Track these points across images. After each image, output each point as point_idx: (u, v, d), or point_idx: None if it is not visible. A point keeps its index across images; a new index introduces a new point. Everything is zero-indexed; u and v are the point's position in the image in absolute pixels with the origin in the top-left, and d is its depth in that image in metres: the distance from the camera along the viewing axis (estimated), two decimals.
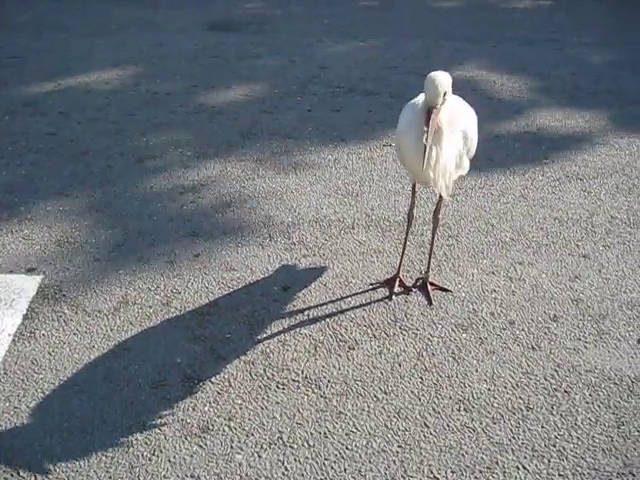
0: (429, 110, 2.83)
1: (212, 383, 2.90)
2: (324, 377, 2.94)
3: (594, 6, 8.60)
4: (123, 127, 5.12)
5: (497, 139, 5.01)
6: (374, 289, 3.46)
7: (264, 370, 2.97)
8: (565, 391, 2.90)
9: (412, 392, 2.88)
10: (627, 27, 7.95)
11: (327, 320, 3.25)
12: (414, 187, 3.36)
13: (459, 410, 2.80)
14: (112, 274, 3.54)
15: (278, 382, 2.91)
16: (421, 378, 2.95)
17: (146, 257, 3.67)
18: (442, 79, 2.84)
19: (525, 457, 2.62)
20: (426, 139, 2.77)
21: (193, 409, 2.78)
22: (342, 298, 3.40)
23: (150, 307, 3.32)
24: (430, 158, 2.83)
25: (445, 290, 3.46)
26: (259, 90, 5.79)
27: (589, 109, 5.58)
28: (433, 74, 2.88)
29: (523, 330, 3.23)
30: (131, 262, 3.63)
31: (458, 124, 3.01)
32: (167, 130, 5.06)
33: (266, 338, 3.14)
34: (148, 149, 4.79)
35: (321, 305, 3.35)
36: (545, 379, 2.96)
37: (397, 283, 3.46)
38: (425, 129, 2.79)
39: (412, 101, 3.14)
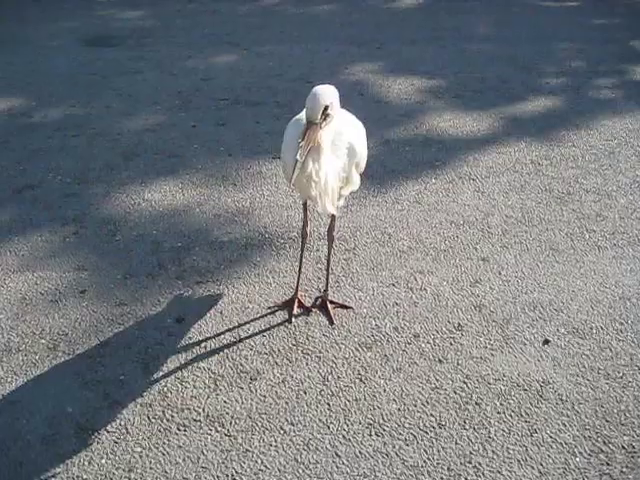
0: (308, 125, 2.70)
1: (108, 432, 2.69)
2: (227, 413, 2.78)
3: (473, 5, 8.72)
4: None
5: (387, 143, 4.95)
6: (273, 313, 3.32)
7: (162, 412, 2.78)
8: (476, 403, 2.84)
9: (320, 420, 2.76)
10: (502, 22, 8.08)
11: (226, 351, 3.09)
12: (305, 204, 3.23)
13: (370, 435, 2.70)
14: None
15: (179, 423, 2.73)
16: (328, 404, 2.83)
17: (29, 297, 3.40)
18: (323, 94, 2.72)
19: (442, 477, 2.54)
20: (300, 154, 2.64)
21: (89, 463, 2.57)
22: (240, 325, 3.24)
23: (35, 353, 3.07)
24: (303, 174, 2.69)
25: (346, 307, 3.36)
26: (140, 107, 5.54)
27: (476, 108, 5.61)
28: (315, 89, 2.76)
29: (428, 343, 3.16)
30: (13, 304, 3.36)
31: (343, 138, 2.89)
32: (45, 157, 4.75)
33: (162, 376, 2.95)
34: (25, 178, 4.48)
35: (218, 335, 3.18)
36: (455, 392, 2.89)
37: (296, 304, 3.33)
38: (300, 144, 2.65)
39: (297, 116, 3.02)
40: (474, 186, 4.45)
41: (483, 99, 5.78)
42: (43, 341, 3.14)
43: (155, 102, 5.62)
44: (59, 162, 4.67)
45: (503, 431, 2.72)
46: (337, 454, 2.62)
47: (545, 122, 5.38)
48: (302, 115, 2.90)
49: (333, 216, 3.19)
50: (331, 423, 2.74)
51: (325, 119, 2.73)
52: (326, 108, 2.71)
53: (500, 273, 3.62)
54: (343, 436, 2.69)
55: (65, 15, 8.16)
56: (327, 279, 3.37)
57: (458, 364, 3.04)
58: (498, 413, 2.80)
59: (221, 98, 5.68)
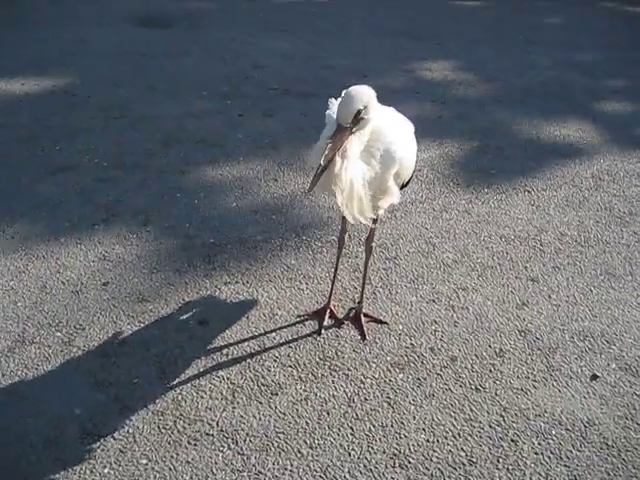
0: (338, 128, 2.47)
1: (114, 439, 2.52)
2: (242, 429, 2.58)
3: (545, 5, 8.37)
4: (35, 134, 4.67)
5: (440, 146, 4.70)
6: (302, 322, 3.11)
7: (174, 422, 2.60)
8: (512, 440, 2.60)
9: (341, 446, 2.54)
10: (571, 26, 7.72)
11: (248, 360, 2.89)
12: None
13: (394, 467, 2.48)
14: (9, 307, 3.13)
15: (190, 436, 2.54)
16: (352, 429, 2.61)
17: (49, 286, 3.26)
18: (356, 96, 2.47)
19: None
20: (324, 158, 2.41)
21: (91, 471, 2.41)
22: (266, 333, 3.04)
23: (49, 347, 2.92)
24: (329, 179, 2.45)
25: (381, 322, 3.13)
26: (185, 92, 5.37)
27: (537, 114, 5.32)
28: (349, 89, 2.51)
29: (466, 368, 2.92)
30: (32, 292, 3.22)
31: (379, 145, 2.62)
32: (84, 138, 4.62)
33: (179, 383, 2.77)
34: (61, 159, 4.36)
35: (242, 342, 2.99)
36: (490, 426, 2.66)
37: (327, 315, 3.12)
38: (326, 147, 2.42)
39: (329, 111, 2.81)
40: (529, 199, 4.17)
41: (545, 105, 5.48)
42: (59, 334, 2.99)
43: (202, 87, 5.44)
44: (98, 144, 4.53)
45: (539, 475, 2.48)
46: None
47: (609, 134, 5.06)
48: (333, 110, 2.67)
49: (373, 225, 2.96)
50: (352, 450, 2.53)
51: (357, 123, 2.49)
52: (359, 112, 2.47)
53: (550, 297, 3.36)
54: (364, 465, 2.48)
55: None
56: (362, 290, 3.15)
57: (496, 394, 2.80)
58: (535, 454, 2.55)
59: (271, 87, 5.48)
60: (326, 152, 2.40)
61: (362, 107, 2.46)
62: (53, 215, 3.79)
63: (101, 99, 5.18)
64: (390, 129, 2.66)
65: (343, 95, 2.51)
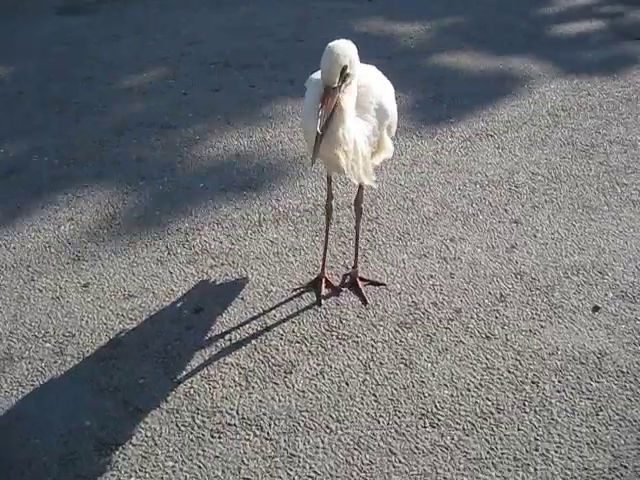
0: (326, 90, 2.35)
1: (133, 445, 2.40)
2: (264, 414, 2.49)
3: None
4: None
5: (396, 100, 4.60)
6: (299, 295, 3.03)
7: (192, 418, 2.49)
8: (532, 382, 2.60)
9: (368, 414, 2.49)
10: None
11: (253, 342, 2.79)
12: (329, 177, 2.92)
13: (425, 427, 2.44)
14: None
15: (212, 430, 2.44)
16: (374, 395, 2.56)
17: (26, 296, 3.08)
18: (339, 52, 2.35)
19: (509, 469, 2.29)
20: (320, 126, 2.30)
21: None
22: (265, 312, 2.94)
23: (41, 360, 2.75)
24: (329, 145, 2.36)
25: (378, 284, 3.07)
26: (124, 76, 5.14)
27: (482, 58, 5.28)
28: (329, 46, 2.38)
29: (472, 318, 2.89)
30: (9, 305, 3.03)
31: (371, 99, 2.55)
32: (27, 136, 4.37)
33: (186, 377, 2.65)
34: (8, 161, 4.11)
35: (243, 324, 2.88)
36: (509, 372, 2.64)
37: (324, 284, 3.04)
38: (318, 114, 2.31)
39: (313, 75, 2.69)
40: (493, 143, 4.15)
41: (487, 49, 5.45)
42: (48, 345, 2.82)
43: (140, 70, 5.21)
44: (44, 141, 4.28)
45: (566, 411, 2.48)
46: (392, 451, 2.35)
47: (554, 70, 5.08)
48: (318, 74, 2.55)
49: (360, 186, 2.89)
50: (380, 417, 2.48)
51: (344, 81, 2.38)
52: (344, 68, 2.36)
53: (535, 236, 3.36)
54: (396, 430, 2.43)
55: None
56: (356, 254, 3.08)
57: (507, 339, 2.78)
58: (558, 392, 2.55)
59: (211, 62, 5.28)
60: (320, 118, 2.30)
61: (347, 62, 2.36)
62: (12, 222, 3.57)
63: (36, 94, 4.89)
64: (378, 83, 2.59)
65: (325, 54, 2.39)
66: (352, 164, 2.45)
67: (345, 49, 2.38)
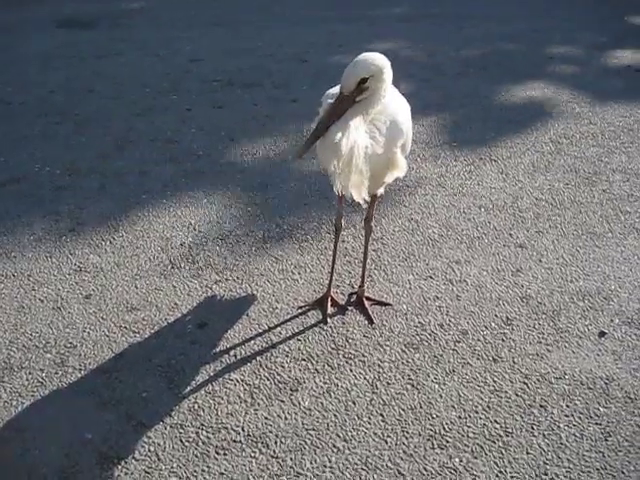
0: (339, 96, 2.35)
1: (136, 460, 2.34)
2: (270, 432, 2.45)
3: None
4: None
5: None
6: (305, 313, 2.99)
7: (196, 433, 2.44)
8: (540, 405, 2.56)
9: (375, 434, 2.44)
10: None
11: (259, 358, 2.75)
12: (340, 196, 2.87)
13: (433, 448, 2.40)
14: None
15: (217, 446, 2.39)
16: (382, 415, 2.52)
17: (27, 305, 3.03)
18: (363, 63, 2.35)
19: None
20: (319, 121, 2.32)
21: None
22: (270, 329, 2.91)
23: (41, 370, 2.70)
24: (326, 143, 2.34)
25: (384, 304, 3.04)
26: (127, 91, 5.13)
27: (484, 85, 5.32)
28: (362, 54, 2.38)
29: (479, 340, 2.86)
30: (9, 314, 2.98)
31: (383, 118, 2.51)
32: (27, 146, 4.34)
33: (191, 392, 2.60)
34: (9, 171, 4.07)
35: (247, 341, 2.84)
36: (517, 395, 2.61)
37: (329, 303, 3.01)
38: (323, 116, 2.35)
39: (332, 90, 2.67)
40: (497, 168, 4.16)
41: (488, 76, 5.49)
42: (49, 355, 2.77)
43: (143, 85, 5.20)
44: (45, 152, 4.25)
45: (575, 436, 2.45)
46: (400, 472, 2.31)
47: (556, 98, 5.11)
48: (335, 89, 2.55)
49: (371, 204, 2.86)
50: (388, 437, 2.44)
51: (361, 93, 2.37)
52: (363, 80, 2.35)
53: (541, 260, 3.35)
54: (404, 451, 2.39)
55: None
56: (363, 273, 3.05)
57: (514, 362, 2.76)
58: (566, 416, 2.52)
59: (213, 80, 5.29)
60: (321, 115, 2.29)
61: (367, 75, 2.34)
62: (13, 231, 3.53)
63: (37, 105, 4.87)
64: (393, 101, 2.58)
65: (353, 61, 2.38)
66: (344, 175, 2.39)
67: (370, 63, 2.37)
